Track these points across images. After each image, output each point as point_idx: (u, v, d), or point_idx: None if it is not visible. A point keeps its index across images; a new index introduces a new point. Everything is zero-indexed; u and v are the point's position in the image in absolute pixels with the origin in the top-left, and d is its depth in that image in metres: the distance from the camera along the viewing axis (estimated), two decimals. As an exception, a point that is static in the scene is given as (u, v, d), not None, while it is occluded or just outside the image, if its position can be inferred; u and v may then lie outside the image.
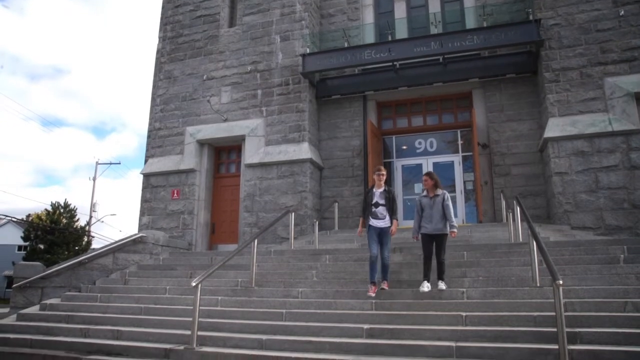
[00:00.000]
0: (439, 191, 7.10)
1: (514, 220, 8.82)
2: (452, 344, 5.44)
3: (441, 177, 12.85)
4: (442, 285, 6.71)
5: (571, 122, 10.70)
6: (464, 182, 12.70)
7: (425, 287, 6.69)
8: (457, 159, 12.95)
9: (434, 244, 6.89)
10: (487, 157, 12.13)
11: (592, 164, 10.35)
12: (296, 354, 5.74)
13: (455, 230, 6.92)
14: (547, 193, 11.16)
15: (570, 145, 10.58)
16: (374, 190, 7.43)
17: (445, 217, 6.93)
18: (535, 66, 11.88)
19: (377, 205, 7.26)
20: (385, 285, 6.95)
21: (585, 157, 10.44)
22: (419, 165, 13.22)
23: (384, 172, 7.45)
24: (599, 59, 10.87)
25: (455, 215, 12.48)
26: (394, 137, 13.71)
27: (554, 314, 5.07)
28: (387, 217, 7.20)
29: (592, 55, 10.94)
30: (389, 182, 13.47)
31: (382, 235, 7.15)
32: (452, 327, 5.87)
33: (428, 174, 7.31)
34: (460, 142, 13.04)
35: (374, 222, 7.21)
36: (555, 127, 10.76)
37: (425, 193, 7.28)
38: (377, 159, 13.14)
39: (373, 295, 6.78)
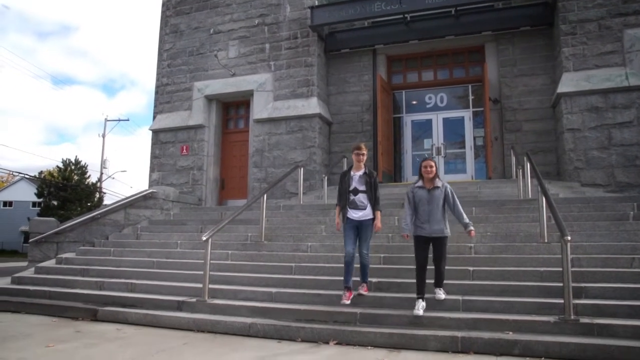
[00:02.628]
0: (439, 182, 5.66)
1: (523, 176, 8.78)
2: (459, 297, 5.54)
3: (451, 133, 12.92)
4: (440, 294, 5.54)
5: (586, 76, 10.44)
6: (474, 138, 12.59)
7: (420, 308, 5.29)
8: (467, 115, 12.78)
9: (429, 248, 5.58)
10: (498, 113, 11.96)
11: (605, 120, 10.17)
12: (305, 306, 5.89)
13: (473, 228, 5.61)
14: (558, 150, 11.04)
15: (584, 100, 10.37)
16: (352, 173, 6.10)
17: (443, 214, 5.59)
18: (551, 18, 11.49)
19: (355, 192, 5.97)
20: (363, 290, 5.93)
21: (599, 113, 10.24)
22: (429, 121, 13.08)
23: (365, 152, 6.13)
24: (619, 9, 10.47)
25: (465, 172, 12.61)
26: (403, 91, 13.51)
27: (560, 269, 5.12)
28: (368, 207, 5.92)
29: (612, 6, 10.53)
30: (398, 138, 13.43)
31: (361, 228, 5.90)
32: (459, 282, 5.96)
33: (432, 159, 5.81)
34: (471, 97, 12.83)
35: (351, 214, 5.91)
36: (569, 82, 10.52)
37: (420, 183, 5.73)
38: (387, 114, 13.01)
39: (348, 302, 5.69)
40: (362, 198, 5.94)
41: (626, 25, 10.37)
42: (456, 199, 5.66)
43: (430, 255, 5.58)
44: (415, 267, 5.56)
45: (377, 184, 6.10)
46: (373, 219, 5.94)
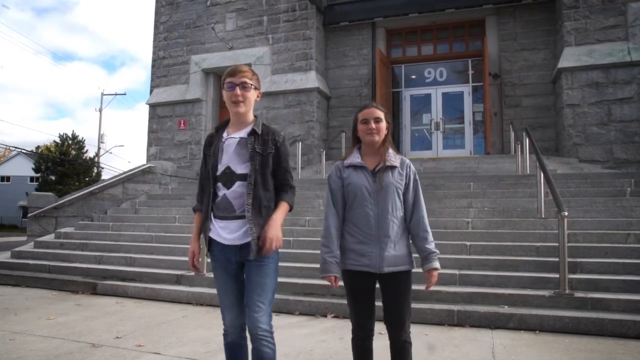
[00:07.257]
0: (395, 157, 2.56)
1: (522, 152, 8.77)
2: (456, 271, 5.58)
3: (450, 108, 12.84)
4: None
5: (588, 51, 10.33)
6: (473, 113, 12.53)
7: None
8: (466, 90, 12.69)
9: (375, 294, 2.65)
10: (498, 88, 11.87)
11: (606, 96, 10.10)
12: (303, 280, 5.93)
13: (437, 265, 2.55)
14: (557, 125, 11.00)
15: (584, 76, 10.28)
16: (225, 135, 2.47)
17: (404, 225, 2.58)
18: (553, -9, 11.32)
19: (229, 178, 2.38)
20: None
21: (599, 88, 10.17)
22: (428, 96, 13.00)
23: (249, 80, 2.39)
24: (622, -18, 10.30)
25: (463, 147, 12.57)
26: (403, 66, 13.39)
27: (556, 244, 5.15)
28: (256, 213, 2.38)
29: (616, -21, 10.36)
30: (397, 113, 13.32)
31: (248, 268, 2.50)
32: (456, 256, 5.98)
33: (378, 106, 2.58)
34: (470, 72, 12.72)
35: (220, 230, 2.41)
36: (570, 57, 10.41)
37: (356, 158, 2.56)
38: (386, 88, 12.91)
39: None
40: (241, 191, 2.38)
41: (630, -2, 10.21)
42: (420, 192, 2.62)
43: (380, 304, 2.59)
44: (352, 332, 2.73)
45: (286, 154, 2.50)
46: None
